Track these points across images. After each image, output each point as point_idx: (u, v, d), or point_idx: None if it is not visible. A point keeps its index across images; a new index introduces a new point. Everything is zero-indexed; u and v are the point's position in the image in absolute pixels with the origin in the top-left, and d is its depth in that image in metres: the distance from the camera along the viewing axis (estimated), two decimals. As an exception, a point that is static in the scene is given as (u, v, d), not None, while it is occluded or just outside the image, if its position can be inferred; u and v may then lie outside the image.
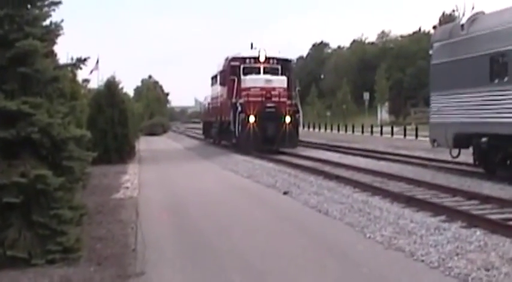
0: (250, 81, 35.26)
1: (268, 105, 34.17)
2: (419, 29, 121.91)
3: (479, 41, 20.37)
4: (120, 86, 30.58)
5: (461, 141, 21.50)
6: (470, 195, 15.67)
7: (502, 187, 17.77)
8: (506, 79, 19.07)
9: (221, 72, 40.15)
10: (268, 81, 35.02)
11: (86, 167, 11.60)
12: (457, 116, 21.32)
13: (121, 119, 28.50)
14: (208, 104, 48.90)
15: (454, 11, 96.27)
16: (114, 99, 28.66)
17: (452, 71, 21.64)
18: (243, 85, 35.40)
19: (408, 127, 61.25)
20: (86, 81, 34.32)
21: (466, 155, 22.29)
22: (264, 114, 33.62)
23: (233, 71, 36.73)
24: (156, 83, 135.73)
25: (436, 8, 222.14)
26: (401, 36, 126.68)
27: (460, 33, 21.49)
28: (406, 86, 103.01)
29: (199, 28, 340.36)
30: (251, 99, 34.19)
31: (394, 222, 12.27)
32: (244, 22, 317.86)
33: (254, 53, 37.22)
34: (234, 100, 35.04)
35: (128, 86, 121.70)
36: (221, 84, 39.98)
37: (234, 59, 37.53)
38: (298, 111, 36.11)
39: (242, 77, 35.98)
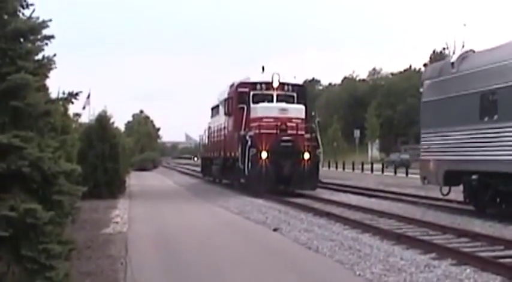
0: (262, 110, 30.72)
1: (284, 138, 29.57)
2: (410, 67, 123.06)
3: (469, 79, 20.55)
4: (112, 120, 30.57)
5: (451, 178, 21.58)
6: (460, 233, 15.67)
7: (492, 224, 17.84)
8: (495, 117, 19.21)
9: (226, 100, 34.66)
10: (283, 110, 30.37)
11: (75, 201, 11.55)
12: (447, 153, 21.42)
13: (112, 154, 28.46)
14: (208, 138, 43.89)
15: (444, 48, 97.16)
16: (105, 133, 28.66)
17: (442, 109, 21.79)
18: (253, 115, 31.09)
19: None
20: (77, 115, 34.28)
21: (457, 193, 22.34)
22: (279, 150, 29.18)
23: (241, 98, 32.33)
24: (147, 118, 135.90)
25: (426, 46, 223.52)
26: (392, 74, 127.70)
27: (450, 71, 21.68)
28: (397, 123, 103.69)
29: (191, 65, 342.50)
30: (263, 131, 29.46)
31: (384, 260, 12.24)
32: (237, 59, 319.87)
33: (266, 78, 32.53)
34: (242, 132, 30.54)
35: (119, 121, 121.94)
36: (226, 114, 34.62)
37: (242, 84, 32.87)
38: (318, 147, 30.94)
39: (252, 105, 31.61)
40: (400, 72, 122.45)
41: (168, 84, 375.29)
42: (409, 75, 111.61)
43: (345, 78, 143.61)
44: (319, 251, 13.58)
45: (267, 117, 30.11)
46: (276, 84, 31.93)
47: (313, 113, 35.03)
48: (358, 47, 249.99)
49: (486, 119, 19.84)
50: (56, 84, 12.05)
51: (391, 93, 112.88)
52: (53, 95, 11.37)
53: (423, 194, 27.39)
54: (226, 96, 34.84)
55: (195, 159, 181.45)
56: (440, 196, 23.37)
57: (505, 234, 15.70)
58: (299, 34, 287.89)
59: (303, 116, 30.66)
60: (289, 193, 28.91)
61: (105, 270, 11.20)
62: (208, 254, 13.51)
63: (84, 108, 39.32)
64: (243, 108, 31.63)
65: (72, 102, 11.00)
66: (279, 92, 32.04)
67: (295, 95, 32.49)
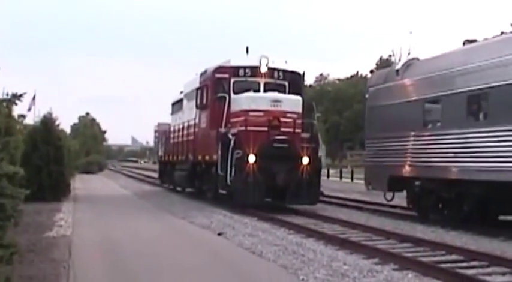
0: (248, 101, 24.14)
1: (277, 138, 23.19)
2: (357, 73, 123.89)
3: (413, 87, 20.89)
4: (57, 122, 30.22)
5: (395, 184, 21.85)
6: (403, 238, 15.88)
7: (434, 230, 18.12)
8: (439, 124, 19.55)
9: (198, 90, 27.37)
10: (276, 102, 23.78)
11: (18, 204, 11.42)
12: (392, 159, 21.68)
13: (56, 156, 28.09)
14: (168, 138, 36.83)
15: (391, 55, 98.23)
16: (50, 135, 28.28)
17: (387, 115, 22.08)
18: (236, 107, 24.51)
19: (344, 170, 61.74)
20: (22, 116, 33.81)
21: (401, 198, 22.60)
22: (271, 152, 22.81)
23: (219, 87, 25.65)
24: (94, 120, 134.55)
25: (374, 53, 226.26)
26: (339, 80, 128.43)
27: (395, 78, 21.99)
28: (343, 129, 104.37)
29: (139, 68, 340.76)
30: (251, 128, 23.20)
31: (327, 265, 12.31)
32: (186, 63, 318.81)
33: (251, 62, 25.76)
34: (223, 130, 24.07)
35: (65, 123, 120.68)
36: (198, 107, 27.44)
37: (221, 69, 26.02)
38: (318, 148, 24.95)
39: (234, 95, 25.05)
40: (347, 79, 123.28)
41: (115, 88, 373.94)
42: (356, 81, 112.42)
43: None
44: (263, 256, 13.59)
45: (255, 111, 23.67)
46: (264, 70, 25.44)
47: (314, 109, 27.73)
48: (305, 52, 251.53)
49: (429, 125, 20.19)
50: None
51: (337, 99, 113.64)
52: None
53: (368, 199, 27.62)
54: (197, 85, 27.91)
55: (142, 162, 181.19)
56: (385, 202, 23.61)
57: (446, 240, 15.96)
58: (246, 39, 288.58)
59: (300, 110, 24.46)
60: (284, 209, 23.42)
61: (48, 274, 11.07)
62: (151, 259, 13.41)
63: (29, 109, 38.87)
64: (224, 98, 25.03)
65: (16, 104, 10.91)
66: (268, 80, 25.67)
67: (286, 84, 26.10)
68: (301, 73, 27.29)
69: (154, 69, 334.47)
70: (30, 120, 34.66)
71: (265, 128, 23.20)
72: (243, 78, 25.58)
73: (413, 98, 20.72)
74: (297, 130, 23.88)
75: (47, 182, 27.05)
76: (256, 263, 13.11)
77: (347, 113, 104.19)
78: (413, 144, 20.52)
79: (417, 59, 22.66)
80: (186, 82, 32.11)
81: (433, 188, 20.01)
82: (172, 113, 36.88)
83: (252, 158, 22.48)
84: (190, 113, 29.63)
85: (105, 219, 21.53)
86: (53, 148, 28.04)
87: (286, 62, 27.09)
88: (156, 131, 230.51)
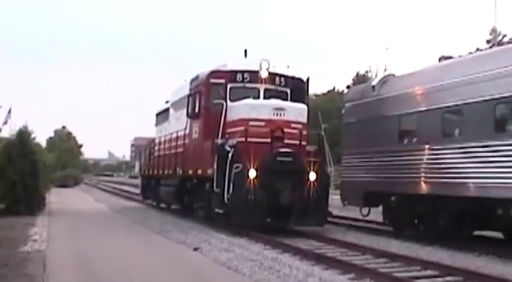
0: (248, 108, 21.50)
1: (281, 150, 20.62)
2: (334, 88, 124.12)
3: (389, 103, 21.01)
4: (32, 136, 30.06)
5: (371, 199, 21.92)
6: (378, 254, 15.92)
7: (409, 245, 18.21)
8: (414, 140, 19.67)
9: (189, 97, 24.69)
10: (279, 110, 21.19)
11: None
12: (367, 175, 21.78)
13: (32, 170, 27.90)
14: (153, 151, 34.06)
15: (367, 71, 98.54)
16: (25, 149, 28.10)
17: (363, 131, 22.20)
18: (234, 116, 21.82)
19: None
20: (-2, 130, 33.69)
21: (377, 213, 22.66)
22: (274, 166, 20.28)
23: (214, 93, 23.04)
24: (70, 134, 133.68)
25: (350, 68, 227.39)
26: (316, 95, 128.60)
27: (371, 94, 22.12)
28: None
29: (116, 83, 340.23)
30: (251, 139, 20.60)
31: (303, 280, 12.32)
32: (162, 76, 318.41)
33: (250, 66, 23.15)
34: (220, 141, 21.31)
35: (41, 137, 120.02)
36: (189, 116, 24.72)
37: (216, 74, 23.39)
38: (326, 163, 21.92)
39: (231, 103, 22.41)
40: (324, 94, 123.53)
41: (92, 102, 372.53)
42: (333, 96, 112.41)
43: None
44: (239, 271, 13.56)
45: (255, 120, 21.12)
46: (264, 75, 22.79)
47: (319, 120, 24.12)
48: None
49: (405, 141, 20.30)
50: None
51: (314, 114, 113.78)
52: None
53: (344, 214, 27.66)
54: (187, 92, 25.25)
55: (115, 175, 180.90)
56: (360, 217, 23.67)
57: (421, 255, 16.01)
58: (221, 54, 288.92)
59: (306, 120, 21.96)
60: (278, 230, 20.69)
61: (21, 290, 11.00)
62: (126, 274, 13.37)
63: (5, 123, 38.64)
64: (220, 106, 22.38)
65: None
66: (268, 86, 23.09)
67: (288, 91, 23.59)
68: (305, 79, 24.56)
69: (132, 84, 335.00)
70: (6, 133, 34.49)
71: (268, 140, 20.67)
72: (240, 84, 23.05)
73: (389, 114, 20.84)
74: (303, 142, 21.39)
75: (21, 196, 26.87)
76: (231, 279, 13.08)
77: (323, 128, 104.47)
78: (389, 160, 20.61)
79: (393, 75, 22.81)
80: (173, 90, 29.84)
81: (408, 203, 20.12)
82: (157, 124, 34.59)
83: (252, 173, 19.91)
84: (178, 123, 27.37)
85: (80, 233, 21.39)
86: (28, 162, 27.86)
87: (288, 66, 24.41)
88: (132, 146, 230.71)
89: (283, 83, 23.39)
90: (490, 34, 50.74)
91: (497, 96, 16.39)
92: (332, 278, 12.60)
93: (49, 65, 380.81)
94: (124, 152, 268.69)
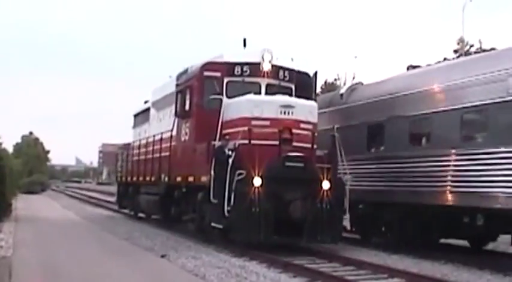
0: (250, 105, 18.47)
1: (291, 154, 17.64)
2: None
3: (357, 111, 21.09)
4: (-1, 141, 29.84)
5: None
6: (346, 261, 15.98)
7: (377, 253, 18.29)
8: (382, 148, 19.76)
9: (178, 93, 21.67)
10: (286, 108, 18.18)
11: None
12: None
13: (-3, 176, 27.71)
14: (130, 155, 31.19)
15: (336, 79, 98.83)
16: (-9, 155, 27.92)
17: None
18: (233, 114, 18.88)
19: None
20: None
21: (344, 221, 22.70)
22: (282, 173, 17.31)
23: (208, 87, 20.11)
24: (37, 140, 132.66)
25: (319, 76, 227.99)
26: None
27: (339, 102, 22.19)
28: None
29: (83, 88, 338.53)
30: (256, 141, 17.72)
31: (270, 287, 12.32)
32: (131, 84, 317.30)
33: (250, 57, 20.19)
34: (218, 143, 18.28)
35: (8, 142, 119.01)
36: (179, 115, 21.57)
37: (211, 66, 20.39)
38: (338, 169, 19.06)
39: (227, 100, 19.60)
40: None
41: (59, 108, 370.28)
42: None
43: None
44: (206, 279, 13.51)
45: (259, 119, 18.14)
46: (267, 68, 19.95)
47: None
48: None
49: (373, 149, 20.40)
50: None
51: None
52: None
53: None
54: (174, 89, 22.42)
55: (83, 182, 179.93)
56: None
57: (388, 263, 16.13)
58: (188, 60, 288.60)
59: (316, 119, 19.02)
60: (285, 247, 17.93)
61: (-15, 297, 10.88)
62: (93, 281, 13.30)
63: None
64: (217, 102, 19.52)
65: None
66: (271, 81, 20.18)
67: (293, 86, 20.69)
68: (313, 74, 21.68)
69: (99, 90, 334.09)
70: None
71: (275, 142, 17.74)
72: (239, 78, 20.05)
73: (357, 122, 20.91)
74: (315, 145, 18.66)
75: (-13, 202, 26.63)
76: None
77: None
78: (356, 168, 20.64)
79: (361, 83, 22.96)
80: (153, 88, 27.33)
81: (375, 211, 20.20)
82: (135, 125, 31.70)
83: (257, 181, 16.96)
84: (162, 124, 24.80)
85: (47, 240, 21.22)
86: (-6, 168, 27.63)
87: (292, 59, 21.57)
88: (100, 152, 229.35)
89: (287, 78, 20.54)
90: (458, 44, 51.09)
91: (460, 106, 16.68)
92: (299, 285, 12.60)
93: (15, 70, 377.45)
94: (92, 158, 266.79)
